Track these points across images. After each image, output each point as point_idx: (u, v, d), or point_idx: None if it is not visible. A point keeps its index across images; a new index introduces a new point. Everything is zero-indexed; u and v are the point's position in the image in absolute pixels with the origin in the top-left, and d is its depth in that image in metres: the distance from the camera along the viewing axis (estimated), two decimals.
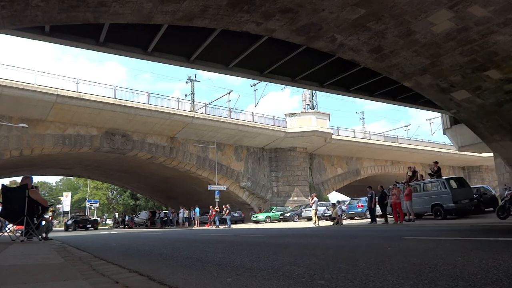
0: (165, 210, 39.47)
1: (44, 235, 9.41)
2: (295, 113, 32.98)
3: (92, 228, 32.59)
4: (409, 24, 9.44)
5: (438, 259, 3.47)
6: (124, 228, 38.71)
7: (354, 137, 37.68)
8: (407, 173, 17.51)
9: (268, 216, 28.63)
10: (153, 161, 28.95)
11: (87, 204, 52.76)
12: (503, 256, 3.53)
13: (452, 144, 23.92)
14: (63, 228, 38.38)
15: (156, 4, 8.12)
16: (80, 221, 33.80)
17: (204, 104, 31.13)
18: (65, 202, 59.48)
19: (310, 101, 40.20)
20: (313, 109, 38.44)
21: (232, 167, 31.42)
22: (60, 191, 72.64)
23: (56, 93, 21.71)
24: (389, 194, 15.49)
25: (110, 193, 59.54)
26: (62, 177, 70.48)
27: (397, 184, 15.56)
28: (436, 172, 16.22)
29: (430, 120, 46.24)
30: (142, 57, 11.57)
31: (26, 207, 7.85)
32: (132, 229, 32.20)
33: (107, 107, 23.75)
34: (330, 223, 18.58)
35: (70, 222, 34.37)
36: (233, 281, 2.84)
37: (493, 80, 11.48)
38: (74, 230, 31.50)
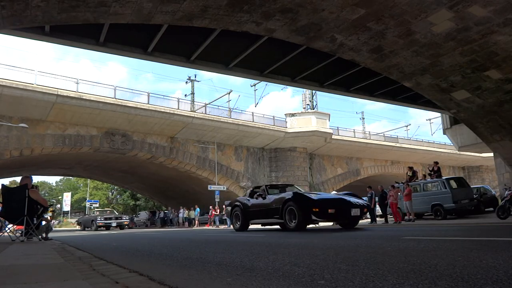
0: (165, 210, 39.49)
1: (44, 235, 9.41)
2: (295, 113, 32.98)
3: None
4: (409, 24, 9.44)
5: (438, 259, 3.47)
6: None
7: (354, 137, 37.64)
8: (407, 173, 17.51)
9: None
10: (153, 161, 28.94)
11: (87, 204, 52.77)
12: (503, 256, 3.53)
13: (452, 144, 23.91)
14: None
15: (156, 4, 8.12)
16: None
17: (204, 104, 31.13)
18: (65, 202, 59.56)
19: (310, 101, 40.18)
20: (313, 109, 38.43)
21: (232, 167, 31.41)
22: (60, 191, 72.76)
23: (56, 93, 21.71)
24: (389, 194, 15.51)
25: (110, 193, 59.63)
26: (62, 177, 70.61)
27: (396, 185, 15.58)
28: (436, 172, 16.21)
29: (430, 120, 46.27)
30: (142, 57, 11.57)
31: (26, 207, 7.85)
32: (132, 229, 32.16)
33: (107, 107, 23.75)
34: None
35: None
36: (233, 281, 2.84)
37: (493, 80, 11.49)
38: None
